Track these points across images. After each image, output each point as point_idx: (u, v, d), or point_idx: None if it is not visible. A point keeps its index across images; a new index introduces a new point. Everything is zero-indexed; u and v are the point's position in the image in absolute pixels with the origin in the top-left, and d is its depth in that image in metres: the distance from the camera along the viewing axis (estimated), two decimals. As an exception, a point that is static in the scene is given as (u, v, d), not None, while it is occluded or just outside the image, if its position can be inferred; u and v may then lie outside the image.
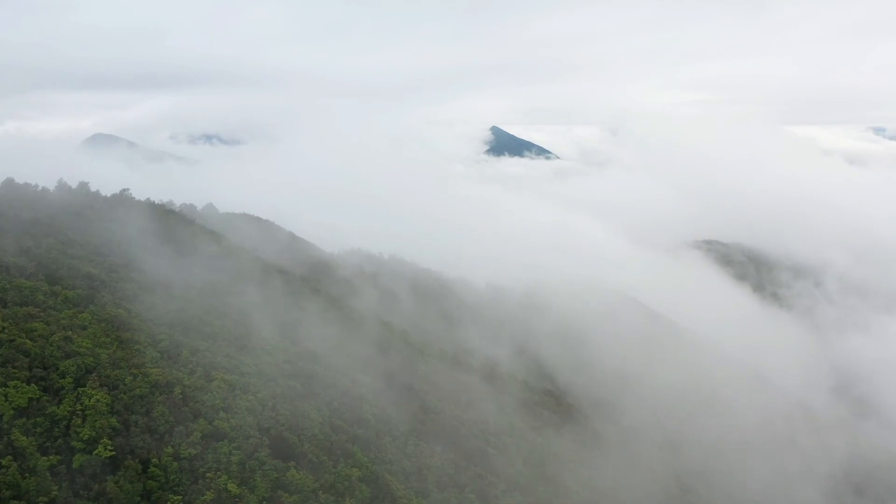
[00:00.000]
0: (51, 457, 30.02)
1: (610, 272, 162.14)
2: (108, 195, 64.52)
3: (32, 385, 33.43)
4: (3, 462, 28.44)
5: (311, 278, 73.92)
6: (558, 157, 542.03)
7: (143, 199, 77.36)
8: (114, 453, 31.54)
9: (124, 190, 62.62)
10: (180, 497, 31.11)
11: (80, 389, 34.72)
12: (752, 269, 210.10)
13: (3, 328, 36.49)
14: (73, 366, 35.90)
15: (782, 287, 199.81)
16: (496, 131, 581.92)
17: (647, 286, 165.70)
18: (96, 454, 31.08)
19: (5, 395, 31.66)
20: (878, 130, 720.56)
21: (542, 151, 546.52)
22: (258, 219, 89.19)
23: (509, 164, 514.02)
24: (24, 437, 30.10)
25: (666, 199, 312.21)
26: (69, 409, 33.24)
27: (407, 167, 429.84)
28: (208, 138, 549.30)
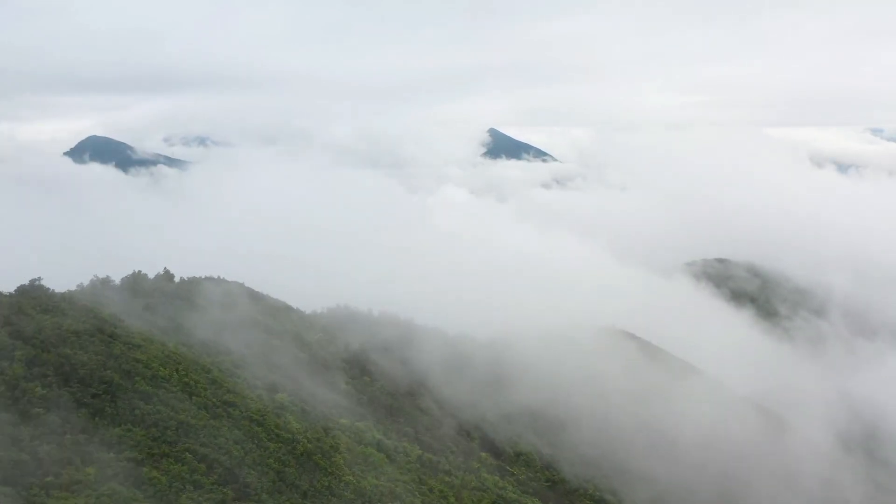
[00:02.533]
0: None
1: (605, 304, 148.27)
2: None
3: None
4: None
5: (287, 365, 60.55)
6: (556, 160, 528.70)
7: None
8: None
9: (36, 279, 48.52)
10: None
11: None
12: (755, 290, 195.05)
13: None
14: None
15: (789, 315, 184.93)
16: (494, 133, 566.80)
17: (647, 318, 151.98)
18: None
19: None
20: (876, 131, 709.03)
21: (540, 154, 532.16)
22: (223, 281, 75.01)
23: (506, 166, 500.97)
24: None
25: (655, 213, 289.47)
26: None
27: (401, 178, 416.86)
28: (202, 140, 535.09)
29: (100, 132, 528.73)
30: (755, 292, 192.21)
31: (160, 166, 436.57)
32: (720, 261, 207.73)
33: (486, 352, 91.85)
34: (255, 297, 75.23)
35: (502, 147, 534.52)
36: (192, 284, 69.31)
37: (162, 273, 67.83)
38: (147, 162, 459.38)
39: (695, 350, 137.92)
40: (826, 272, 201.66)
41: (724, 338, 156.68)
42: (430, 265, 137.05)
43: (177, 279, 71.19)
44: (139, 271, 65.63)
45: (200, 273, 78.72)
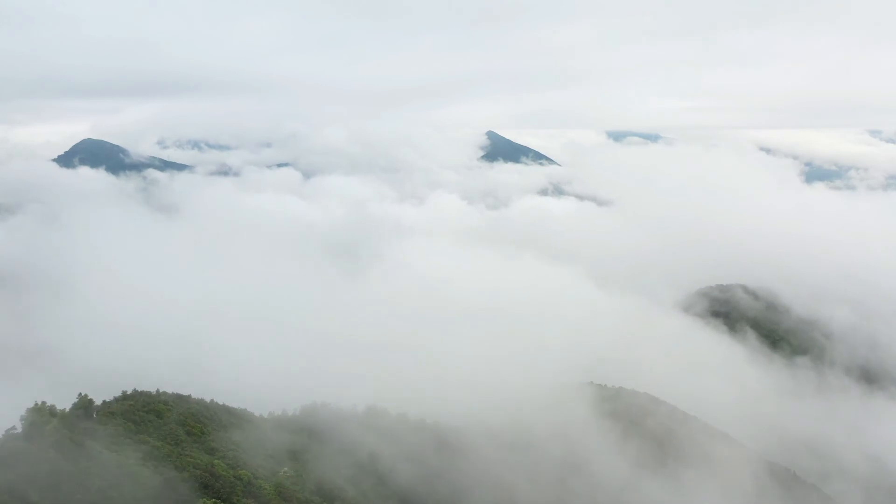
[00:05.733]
0: None
1: (590, 343, 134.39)
2: None
3: None
4: None
5: None
6: (554, 163, 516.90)
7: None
8: None
9: None
10: None
11: None
12: (761, 322, 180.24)
13: None
14: None
15: (798, 352, 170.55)
16: (492, 136, 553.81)
17: (640, 358, 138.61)
18: None
19: None
20: (875, 133, 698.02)
21: (538, 157, 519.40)
22: (163, 397, 62.82)
23: (503, 170, 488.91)
24: None
25: (648, 231, 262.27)
26: None
27: (394, 184, 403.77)
28: (195, 144, 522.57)
29: (95, 135, 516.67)
30: (761, 324, 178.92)
31: (151, 170, 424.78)
32: (719, 287, 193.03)
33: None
34: (201, 414, 63.37)
35: (500, 150, 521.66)
36: (115, 412, 57.27)
37: (77, 401, 55.89)
38: (140, 166, 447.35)
39: (695, 395, 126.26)
40: (831, 301, 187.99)
41: (730, 383, 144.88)
42: (398, 315, 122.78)
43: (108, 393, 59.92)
44: (42, 404, 53.73)
45: (141, 371, 67.58)
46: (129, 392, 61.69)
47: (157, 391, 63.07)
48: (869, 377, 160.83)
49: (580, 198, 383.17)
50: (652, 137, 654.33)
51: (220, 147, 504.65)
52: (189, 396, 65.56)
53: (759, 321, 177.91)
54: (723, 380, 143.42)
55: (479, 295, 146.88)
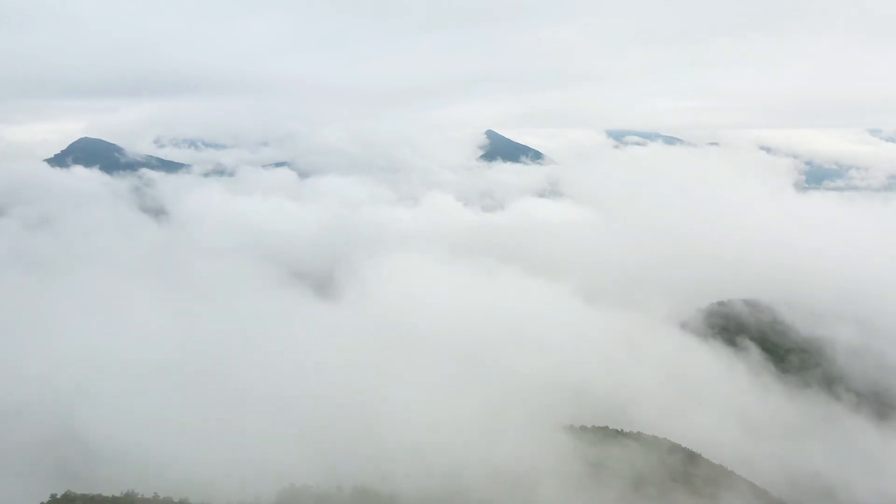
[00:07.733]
0: None
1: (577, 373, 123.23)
2: None
3: None
4: None
5: None
6: (553, 162, 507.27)
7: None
8: None
9: None
10: None
11: None
12: (770, 338, 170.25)
13: None
14: None
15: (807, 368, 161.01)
16: (491, 135, 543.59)
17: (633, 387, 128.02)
18: None
19: None
20: (875, 132, 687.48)
21: (537, 156, 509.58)
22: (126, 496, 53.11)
23: (501, 170, 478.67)
24: None
25: (643, 240, 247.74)
26: None
27: (392, 184, 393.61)
28: (192, 143, 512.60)
29: (93, 134, 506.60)
30: (766, 342, 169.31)
31: (145, 170, 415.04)
32: (720, 303, 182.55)
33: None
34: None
35: (500, 149, 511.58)
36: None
37: None
38: (135, 165, 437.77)
39: (695, 424, 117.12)
40: (840, 318, 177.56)
41: (732, 413, 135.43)
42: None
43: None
44: None
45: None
46: (60, 495, 52.30)
47: (96, 496, 53.40)
48: (883, 402, 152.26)
49: (578, 200, 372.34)
50: (652, 137, 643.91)
51: (217, 146, 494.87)
52: (137, 496, 55.73)
53: (763, 339, 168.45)
54: (725, 408, 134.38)
55: (460, 319, 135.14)
